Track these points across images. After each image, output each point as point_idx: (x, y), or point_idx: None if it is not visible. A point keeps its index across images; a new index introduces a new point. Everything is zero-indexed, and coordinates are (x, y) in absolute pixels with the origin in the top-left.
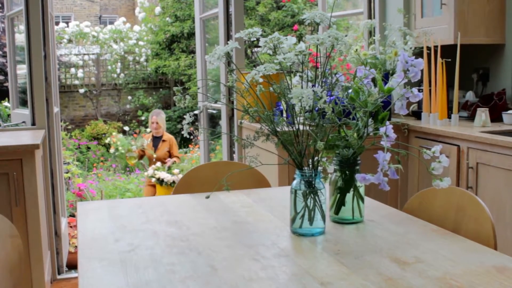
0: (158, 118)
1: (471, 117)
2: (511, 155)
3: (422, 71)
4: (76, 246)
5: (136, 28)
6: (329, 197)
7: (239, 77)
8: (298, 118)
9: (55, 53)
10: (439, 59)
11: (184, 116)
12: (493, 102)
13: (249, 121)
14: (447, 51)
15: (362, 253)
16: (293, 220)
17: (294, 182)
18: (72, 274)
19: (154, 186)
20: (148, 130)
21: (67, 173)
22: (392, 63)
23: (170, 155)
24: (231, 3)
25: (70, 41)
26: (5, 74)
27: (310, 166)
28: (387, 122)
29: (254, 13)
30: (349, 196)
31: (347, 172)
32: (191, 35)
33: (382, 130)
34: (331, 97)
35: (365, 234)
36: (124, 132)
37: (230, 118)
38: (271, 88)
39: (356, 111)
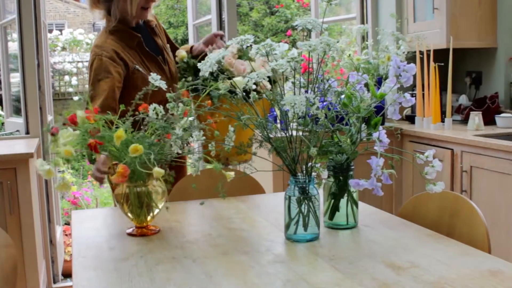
0: None
1: (465, 121)
2: (505, 158)
3: (415, 75)
4: (71, 255)
5: None
6: (323, 202)
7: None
8: (291, 124)
9: (48, 61)
10: (431, 63)
11: None
12: (486, 106)
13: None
14: (440, 55)
15: (357, 259)
16: (287, 226)
17: (288, 188)
18: (68, 283)
19: None
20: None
21: None
22: (385, 67)
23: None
24: (224, 9)
25: (64, 48)
26: None
27: (304, 172)
28: (380, 127)
29: (247, 19)
30: (343, 201)
31: (340, 177)
32: (184, 41)
33: (375, 135)
34: (324, 103)
35: (359, 240)
36: None
37: None
38: (264, 95)
39: (349, 117)
